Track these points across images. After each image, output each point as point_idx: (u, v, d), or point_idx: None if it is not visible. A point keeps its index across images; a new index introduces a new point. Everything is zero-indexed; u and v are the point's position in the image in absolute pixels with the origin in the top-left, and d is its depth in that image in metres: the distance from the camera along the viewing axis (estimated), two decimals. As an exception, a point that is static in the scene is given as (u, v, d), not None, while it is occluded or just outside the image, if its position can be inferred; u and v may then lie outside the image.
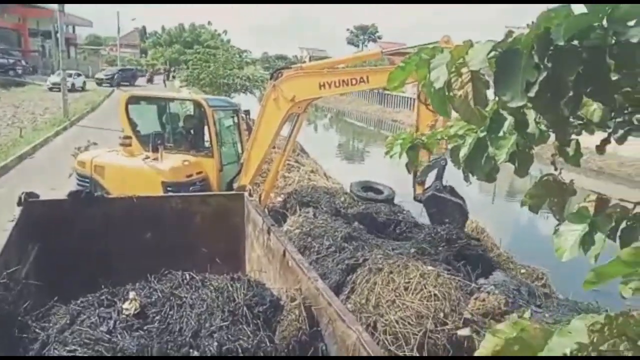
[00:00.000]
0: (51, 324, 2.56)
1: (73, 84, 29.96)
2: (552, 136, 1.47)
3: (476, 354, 1.20)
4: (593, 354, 1.04)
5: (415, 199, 5.99)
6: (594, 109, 1.51)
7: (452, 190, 5.76)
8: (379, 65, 16.66)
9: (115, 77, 38.90)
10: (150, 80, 42.43)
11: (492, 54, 1.17)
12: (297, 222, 6.22)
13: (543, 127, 1.37)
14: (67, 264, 3.37)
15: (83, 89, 32.19)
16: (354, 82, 5.54)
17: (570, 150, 1.58)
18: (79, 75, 33.55)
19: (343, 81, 5.55)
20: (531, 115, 1.34)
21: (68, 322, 2.53)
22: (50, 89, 28.66)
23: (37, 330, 2.52)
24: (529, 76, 1.11)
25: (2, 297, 2.51)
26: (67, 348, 2.27)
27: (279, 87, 5.82)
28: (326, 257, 5.07)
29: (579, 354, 1.03)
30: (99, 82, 37.74)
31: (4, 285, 2.61)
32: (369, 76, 5.53)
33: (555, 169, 1.53)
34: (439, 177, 5.62)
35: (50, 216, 3.64)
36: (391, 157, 2.07)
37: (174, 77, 43.86)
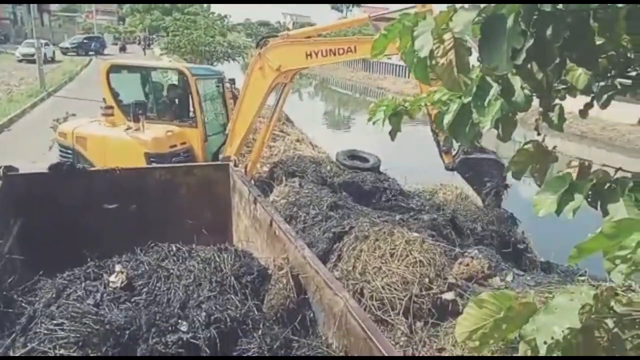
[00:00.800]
0: (37, 298, 2.55)
1: (33, 55, 27.99)
2: (536, 101, 1.46)
3: (460, 319, 1.23)
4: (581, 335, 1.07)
5: (447, 168, 5.80)
6: (579, 74, 1.50)
7: (481, 148, 5.52)
8: (364, 31, 16.38)
9: (81, 45, 36.69)
10: (122, 49, 40.47)
11: (477, 19, 1.14)
12: (283, 192, 6.23)
13: (527, 92, 1.36)
14: (51, 238, 3.34)
15: (53, 59, 30.52)
16: (341, 51, 5.41)
17: (554, 115, 1.59)
18: (47, 44, 31.08)
19: (330, 50, 5.42)
20: (517, 81, 1.33)
21: (54, 296, 2.52)
22: (20, 61, 27.10)
23: (23, 304, 2.51)
24: (515, 43, 1.09)
25: None
26: (54, 322, 2.27)
27: (265, 56, 5.69)
28: (313, 226, 5.11)
29: (569, 337, 1.05)
30: (64, 52, 35.66)
31: None
32: (357, 46, 5.41)
33: (539, 134, 1.54)
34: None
35: (32, 190, 3.57)
36: (374, 123, 2.05)
37: (149, 45, 42.29)
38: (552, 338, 1.03)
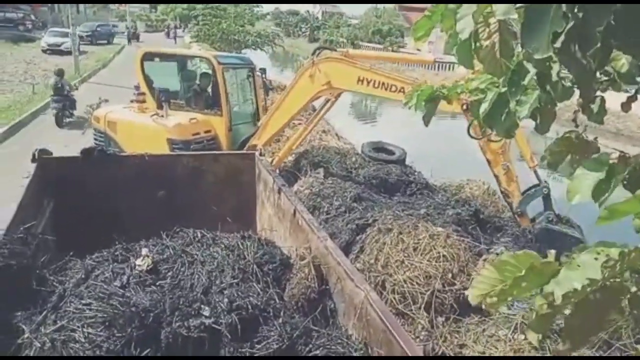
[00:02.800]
0: (67, 278, 2.64)
1: (60, 45, 25.05)
2: (576, 93, 1.41)
3: (474, 282, 1.20)
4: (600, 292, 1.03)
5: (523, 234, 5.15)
6: (622, 63, 1.43)
7: (568, 221, 4.95)
8: (394, 21, 16.01)
9: (94, 34, 33.86)
10: (135, 38, 38.26)
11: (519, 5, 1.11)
12: (307, 183, 6.24)
13: (568, 83, 1.31)
14: (82, 219, 3.43)
15: (79, 50, 28.41)
16: (393, 89, 5.13)
17: (595, 107, 1.52)
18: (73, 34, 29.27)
19: (382, 84, 5.17)
20: (555, 68, 1.28)
21: (83, 276, 2.60)
22: (45, 51, 25.00)
23: (54, 283, 2.60)
24: (557, 26, 1.05)
25: (21, 251, 2.58)
26: (83, 301, 2.35)
27: (317, 66, 5.51)
28: (336, 217, 5.11)
29: (589, 289, 1.01)
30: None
31: (22, 239, 2.68)
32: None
33: (577, 126, 1.48)
34: (549, 206, 4.89)
35: (64, 173, 3.68)
36: (409, 108, 2.03)
37: (169, 34, 42.47)
38: (572, 289, 0.99)
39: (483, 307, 1.25)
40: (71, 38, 20.71)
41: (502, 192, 4.97)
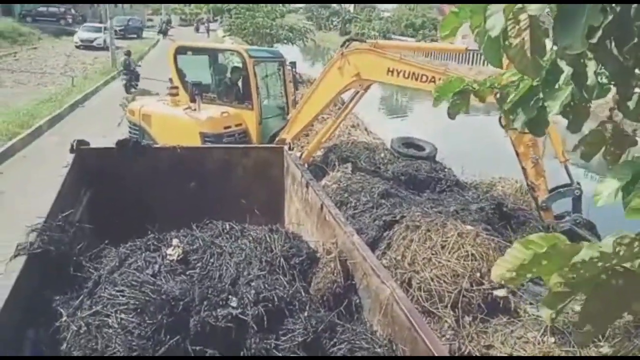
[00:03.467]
0: (102, 265, 2.73)
1: (92, 41, 25.06)
2: (612, 90, 1.35)
3: (499, 260, 1.18)
4: (616, 268, 1.00)
5: (546, 229, 5.04)
6: None
7: (592, 228, 4.89)
8: (428, 15, 15.70)
9: (127, 28, 33.41)
10: (163, 33, 38.10)
11: None
12: (335, 177, 6.25)
13: (604, 80, 1.26)
14: (117, 209, 3.55)
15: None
16: (424, 78, 5.05)
17: (632, 104, 1.45)
18: (107, 29, 25.36)
19: (413, 74, 5.10)
20: (591, 66, 1.23)
21: (117, 264, 2.68)
22: (78, 47, 24.85)
23: (90, 270, 2.70)
24: (593, 20, 1.00)
25: (59, 238, 2.69)
26: (116, 288, 2.43)
27: (347, 58, 5.49)
28: (363, 213, 5.10)
29: (600, 263, 0.99)
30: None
31: (60, 227, 2.78)
32: (442, 78, 4.84)
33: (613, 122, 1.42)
34: (577, 209, 4.85)
35: (100, 164, 3.81)
36: (439, 101, 1.99)
37: (198, 29, 42.63)
38: (590, 258, 0.97)
39: (502, 294, 1.24)
40: (109, 32, 21.26)
41: (528, 186, 4.88)
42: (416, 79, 5.09)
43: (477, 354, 3.40)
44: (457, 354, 3.40)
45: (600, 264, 1.02)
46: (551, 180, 4.92)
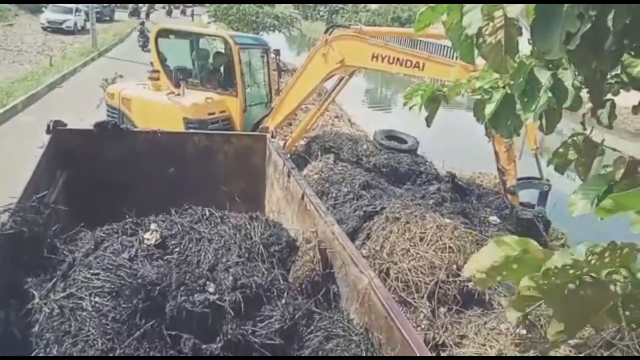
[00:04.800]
0: (77, 248, 2.69)
1: (61, 23, 22.37)
2: (585, 98, 1.39)
3: (474, 255, 1.21)
4: (587, 277, 1.03)
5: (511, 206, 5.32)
6: (638, 69, 1.40)
7: (548, 226, 5.18)
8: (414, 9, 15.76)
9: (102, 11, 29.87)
10: (136, 15, 35.83)
11: None
12: (317, 167, 6.25)
13: (576, 84, 1.28)
14: (93, 192, 3.48)
15: (84, 28, 23.91)
16: (408, 64, 5.08)
17: (605, 111, 1.50)
18: (78, 11, 24.40)
19: (398, 59, 5.11)
20: (568, 77, 1.26)
21: (93, 247, 2.64)
22: (45, 29, 22.16)
23: (64, 252, 2.65)
24: (570, 26, 1.02)
25: (33, 219, 2.63)
26: (91, 271, 2.39)
27: (331, 45, 5.46)
28: (344, 204, 5.13)
29: (571, 271, 1.01)
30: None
31: (34, 208, 2.73)
32: (426, 63, 5.05)
33: (584, 129, 1.46)
34: (542, 203, 5.05)
35: (78, 145, 3.73)
36: (410, 108, 2.00)
37: (192, 12, 41.73)
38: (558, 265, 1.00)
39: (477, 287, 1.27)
40: (90, 12, 20.57)
41: (498, 170, 5.04)
42: (401, 64, 5.13)
43: (451, 344, 3.47)
44: (431, 343, 3.46)
45: (571, 271, 1.05)
46: (526, 170, 5.11)
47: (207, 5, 23.92)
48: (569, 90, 1.29)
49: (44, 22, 22.60)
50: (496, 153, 4.91)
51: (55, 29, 22.12)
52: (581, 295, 1.07)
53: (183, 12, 42.09)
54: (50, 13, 22.90)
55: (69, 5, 24.10)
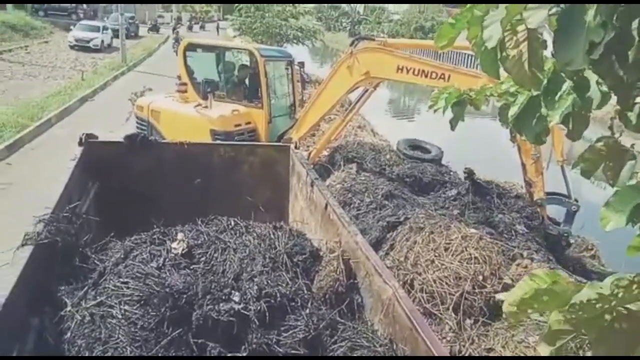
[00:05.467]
0: (107, 257, 2.76)
1: (88, 41, 22.48)
2: (613, 99, 1.35)
3: (510, 292, 1.20)
4: (623, 310, 1.00)
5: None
6: None
7: (569, 246, 5.25)
8: (437, 18, 15.68)
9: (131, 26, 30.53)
10: (156, 30, 37.57)
11: (554, 10, 1.07)
12: (340, 178, 6.26)
13: (604, 89, 1.26)
14: (123, 202, 3.58)
15: (110, 45, 24.72)
16: (433, 75, 5.05)
17: (633, 115, 1.45)
18: (105, 29, 24.74)
19: (423, 71, 5.10)
20: (592, 77, 1.23)
21: (122, 256, 2.71)
22: (72, 47, 22.34)
23: (95, 261, 2.73)
24: (594, 36, 1.00)
25: (66, 229, 2.72)
26: (121, 280, 2.46)
27: (356, 57, 5.50)
28: (367, 214, 5.12)
29: (599, 305, 0.99)
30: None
31: (67, 218, 2.82)
32: (452, 75, 5.01)
33: (613, 134, 1.42)
34: (569, 221, 5.08)
35: (108, 157, 3.84)
36: (435, 111, 1.99)
37: (201, 27, 43.17)
38: (585, 300, 0.98)
39: (504, 297, 1.25)
40: (120, 28, 21.26)
41: (525, 182, 4.97)
42: (426, 76, 5.10)
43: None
44: (457, 356, 3.40)
45: (598, 305, 1.03)
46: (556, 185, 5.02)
47: (232, 19, 24.32)
48: (591, 87, 1.26)
49: (71, 40, 22.91)
50: (523, 165, 4.84)
51: (82, 47, 22.50)
52: (616, 328, 1.05)
53: (202, 28, 43.71)
54: (77, 31, 23.38)
55: (96, 24, 24.79)
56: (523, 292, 1.16)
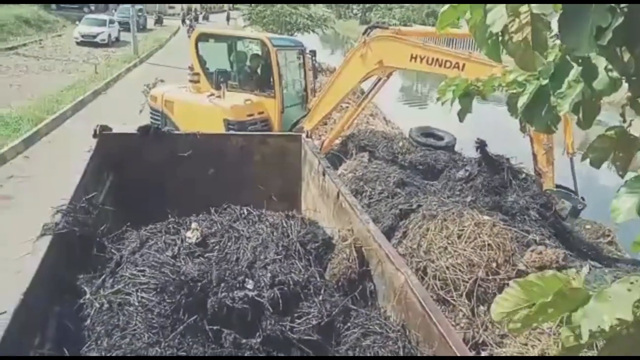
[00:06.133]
0: (124, 246, 2.82)
1: (95, 36, 21.62)
2: (624, 86, 1.33)
3: (498, 299, 1.18)
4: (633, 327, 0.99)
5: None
6: None
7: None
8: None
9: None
10: (160, 22, 37.32)
11: None
12: (352, 166, 6.26)
13: (614, 75, 1.23)
14: (138, 192, 3.63)
15: (117, 39, 24.05)
16: (447, 64, 4.96)
17: None
18: (112, 23, 23.94)
19: (437, 60, 5.00)
20: (601, 63, 1.21)
21: (138, 245, 2.77)
22: (79, 43, 21.55)
23: (112, 250, 2.79)
24: (601, 21, 0.97)
25: (84, 219, 2.78)
26: (137, 268, 2.51)
27: (369, 46, 5.44)
28: (379, 202, 5.12)
29: (617, 329, 0.98)
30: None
31: (84, 209, 2.88)
32: (466, 64, 4.89)
33: (624, 121, 1.40)
34: (574, 216, 5.21)
35: (123, 148, 3.89)
36: (442, 104, 1.96)
37: (205, 18, 43.57)
38: (599, 327, 0.96)
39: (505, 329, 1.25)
40: (131, 21, 21.32)
41: (535, 172, 4.92)
42: (440, 65, 5.01)
43: (492, 343, 3.41)
44: (470, 342, 3.41)
45: (618, 328, 1.00)
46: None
47: (242, 8, 24.28)
48: (600, 74, 1.24)
49: (77, 36, 21.98)
50: (534, 155, 4.78)
51: (88, 42, 21.66)
52: (624, 337, 1.03)
53: (206, 18, 44.58)
54: (83, 26, 22.40)
55: (103, 17, 23.86)
56: (520, 305, 1.14)
